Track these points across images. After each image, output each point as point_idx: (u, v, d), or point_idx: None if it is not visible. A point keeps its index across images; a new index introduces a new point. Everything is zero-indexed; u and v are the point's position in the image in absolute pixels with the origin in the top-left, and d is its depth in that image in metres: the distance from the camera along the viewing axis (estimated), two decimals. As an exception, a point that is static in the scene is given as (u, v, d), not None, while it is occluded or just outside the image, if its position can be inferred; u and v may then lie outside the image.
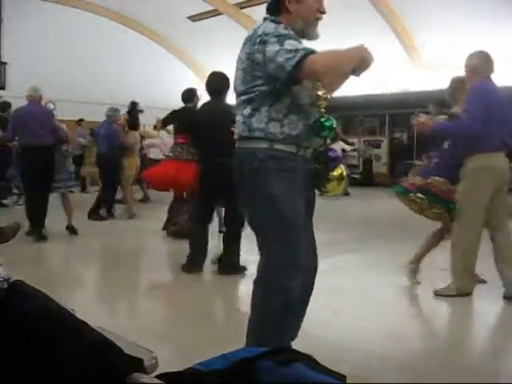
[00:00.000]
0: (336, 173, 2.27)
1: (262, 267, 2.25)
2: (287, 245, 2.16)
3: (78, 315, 1.05)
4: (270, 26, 2.12)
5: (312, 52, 2.02)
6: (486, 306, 3.72)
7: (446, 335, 3.10)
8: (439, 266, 4.78)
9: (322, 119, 2.23)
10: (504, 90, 4.27)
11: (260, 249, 2.25)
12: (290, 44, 2.03)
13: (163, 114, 6.83)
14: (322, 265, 4.23)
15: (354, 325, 3.24)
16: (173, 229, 6.12)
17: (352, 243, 6.16)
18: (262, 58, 2.07)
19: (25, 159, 5.94)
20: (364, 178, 16.35)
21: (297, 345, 2.46)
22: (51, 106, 6.19)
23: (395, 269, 4.87)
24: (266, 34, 2.07)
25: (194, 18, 15.84)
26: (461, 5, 11.90)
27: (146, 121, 9.59)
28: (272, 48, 2.04)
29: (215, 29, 15.40)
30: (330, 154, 2.28)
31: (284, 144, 2.17)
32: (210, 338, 2.85)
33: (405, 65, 14.21)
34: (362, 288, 4.20)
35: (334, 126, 2.26)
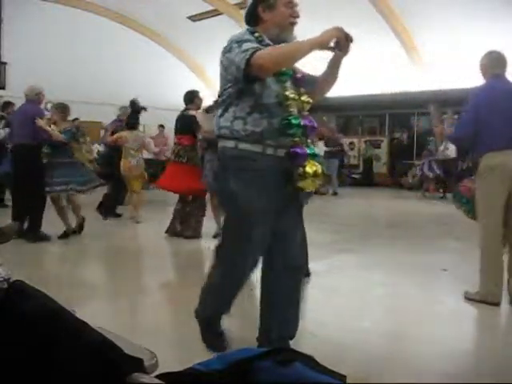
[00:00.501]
0: (310, 170, 2.33)
1: (216, 250, 2.60)
2: (240, 240, 2.42)
3: (78, 315, 1.05)
4: (239, 35, 2.34)
5: (259, 49, 2.20)
6: (489, 308, 3.72)
7: (445, 335, 3.10)
8: (439, 266, 4.78)
9: (290, 117, 2.33)
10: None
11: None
12: (245, 46, 2.23)
13: (163, 114, 6.82)
14: (322, 265, 4.26)
15: (354, 325, 3.24)
16: (187, 233, 6.08)
17: (352, 243, 6.16)
18: (227, 63, 2.31)
19: (12, 158, 6.12)
20: (364, 178, 16.36)
21: (297, 345, 2.46)
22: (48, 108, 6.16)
23: (394, 269, 4.88)
24: (232, 42, 2.31)
25: (194, 18, 15.84)
26: (461, 5, 11.90)
27: (147, 121, 9.57)
28: (234, 52, 2.26)
29: (215, 29, 15.39)
30: (295, 150, 2.34)
31: (249, 143, 2.33)
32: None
33: (405, 65, 14.20)
34: (362, 288, 4.20)
35: (302, 124, 2.35)
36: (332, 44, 2.28)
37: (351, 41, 2.29)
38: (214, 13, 15.37)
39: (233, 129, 2.34)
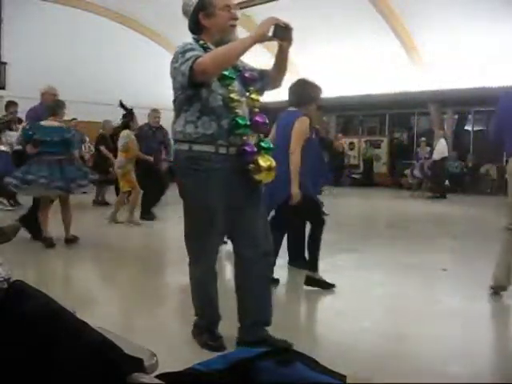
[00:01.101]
0: (264, 163, 2.51)
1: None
2: (197, 229, 2.62)
3: (78, 315, 1.05)
4: (183, 45, 2.49)
5: (200, 56, 2.37)
6: (490, 307, 3.72)
7: (445, 335, 3.10)
8: (439, 266, 4.78)
9: (237, 118, 2.50)
10: (502, 89, 4.28)
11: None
12: (188, 54, 2.39)
13: (163, 114, 6.75)
14: (322, 265, 4.25)
15: (354, 325, 3.24)
16: None
17: (352, 243, 6.15)
18: (174, 73, 2.49)
19: None
20: (364, 178, 16.36)
21: (297, 345, 2.46)
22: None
23: (394, 269, 4.88)
24: (177, 52, 2.46)
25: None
26: (461, 5, 11.90)
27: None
28: (179, 62, 2.43)
29: (215, 29, 15.39)
30: (244, 148, 2.52)
31: (202, 144, 2.50)
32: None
33: (405, 65, 14.20)
34: (362, 288, 4.20)
35: (248, 123, 2.52)
36: (270, 33, 2.37)
37: (290, 29, 2.41)
38: (214, 13, 15.38)
39: (185, 132, 2.52)
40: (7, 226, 4.83)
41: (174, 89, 2.55)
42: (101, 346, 0.97)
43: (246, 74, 2.63)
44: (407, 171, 14.23)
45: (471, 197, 12.77)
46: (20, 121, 8.02)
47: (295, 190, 3.73)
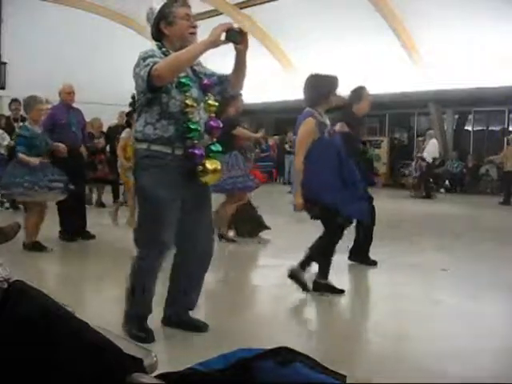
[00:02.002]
0: (210, 166, 2.69)
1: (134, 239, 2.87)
2: (149, 223, 2.73)
3: (78, 315, 1.05)
4: (145, 51, 2.64)
5: (158, 62, 2.52)
6: (491, 307, 3.72)
7: (446, 335, 3.10)
8: (439, 266, 4.78)
9: (189, 123, 2.65)
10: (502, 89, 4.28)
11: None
12: (148, 61, 2.54)
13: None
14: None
15: (354, 325, 3.24)
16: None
17: (351, 243, 6.14)
18: (136, 78, 2.62)
19: None
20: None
21: (297, 345, 2.46)
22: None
23: (394, 269, 4.88)
24: (139, 58, 2.60)
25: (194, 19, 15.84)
26: (461, 4, 11.89)
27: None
28: (139, 68, 2.57)
29: (215, 29, 15.40)
30: (193, 151, 2.67)
31: (159, 145, 2.65)
32: (210, 338, 2.85)
33: (405, 65, 14.20)
34: (362, 288, 4.21)
35: (199, 129, 2.68)
36: (223, 38, 2.49)
37: (245, 33, 2.54)
38: (214, 13, 15.37)
39: (145, 133, 2.67)
40: (8, 225, 4.84)
41: (136, 91, 2.70)
42: (100, 346, 0.97)
43: (205, 81, 2.79)
44: (408, 171, 14.21)
45: (471, 197, 12.76)
46: (23, 119, 8.01)
47: (297, 199, 3.60)
